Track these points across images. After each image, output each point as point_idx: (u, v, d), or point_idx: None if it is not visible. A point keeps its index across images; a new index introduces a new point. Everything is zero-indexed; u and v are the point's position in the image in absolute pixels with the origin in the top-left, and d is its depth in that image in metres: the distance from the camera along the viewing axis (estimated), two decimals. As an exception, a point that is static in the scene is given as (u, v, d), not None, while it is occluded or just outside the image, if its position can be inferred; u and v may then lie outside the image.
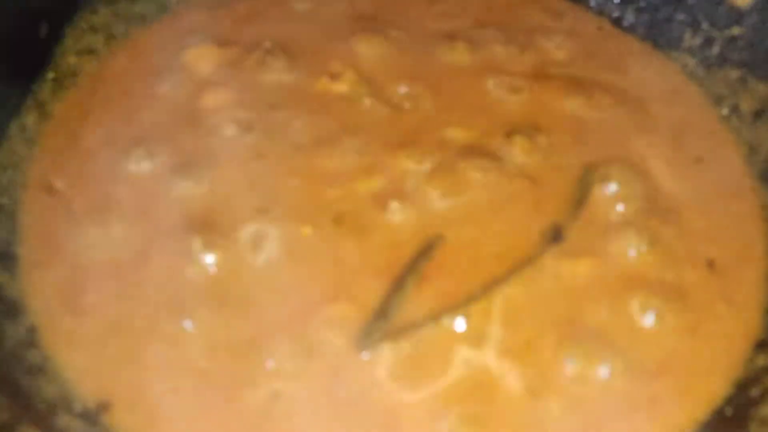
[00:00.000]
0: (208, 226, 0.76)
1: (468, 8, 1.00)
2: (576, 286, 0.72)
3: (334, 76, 0.91)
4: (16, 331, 0.67)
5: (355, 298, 0.72)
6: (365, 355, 0.68)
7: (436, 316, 0.70)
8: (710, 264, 0.75)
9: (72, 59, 0.90)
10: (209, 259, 0.73)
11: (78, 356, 0.67)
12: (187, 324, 0.68)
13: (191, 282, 0.72)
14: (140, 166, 0.81)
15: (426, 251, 0.76)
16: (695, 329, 0.71)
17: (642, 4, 0.99)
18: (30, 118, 0.84)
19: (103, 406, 0.64)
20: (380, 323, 0.69)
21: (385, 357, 0.67)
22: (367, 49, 0.95)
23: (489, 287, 0.72)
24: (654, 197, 0.82)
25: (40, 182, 0.79)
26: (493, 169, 0.83)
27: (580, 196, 0.81)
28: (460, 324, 0.70)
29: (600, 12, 1.01)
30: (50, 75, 0.88)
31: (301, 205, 0.79)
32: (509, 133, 0.86)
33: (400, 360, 0.67)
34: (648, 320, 0.70)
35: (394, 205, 0.79)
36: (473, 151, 0.84)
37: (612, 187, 0.82)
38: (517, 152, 0.85)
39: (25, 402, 0.61)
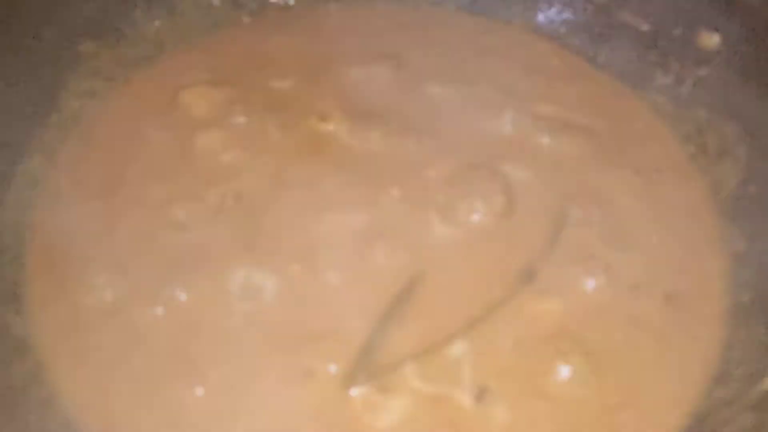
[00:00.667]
0: (197, 267, 0.81)
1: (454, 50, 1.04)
2: (545, 325, 0.77)
3: (323, 117, 0.96)
4: (23, 367, 0.72)
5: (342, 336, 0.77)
6: (353, 392, 0.72)
7: (416, 355, 0.75)
8: (668, 297, 0.80)
9: (74, 103, 0.95)
10: (199, 300, 0.78)
11: (82, 392, 0.72)
12: (186, 361, 0.73)
13: (188, 320, 0.77)
14: (137, 209, 0.86)
15: (407, 290, 0.81)
16: (655, 362, 0.75)
17: (616, 43, 1.04)
18: (36, 162, 0.89)
19: (106, 441, 0.69)
20: (366, 360, 0.74)
21: (369, 393, 0.72)
22: (354, 88, 1.00)
23: (467, 326, 0.77)
24: (619, 232, 0.86)
25: (44, 224, 0.84)
26: (471, 205, 0.88)
27: (553, 235, 0.86)
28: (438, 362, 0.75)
29: (576, 50, 1.06)
30: (54, 118, 0.93)
31: (288, 244, 0.84)
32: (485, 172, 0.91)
33: (382, 396, 0.72)
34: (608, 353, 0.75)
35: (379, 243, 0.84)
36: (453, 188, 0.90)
37: (581, 225, 0.87)
38: (495, 190, 0.90)
39: (32, 437, 0.66)
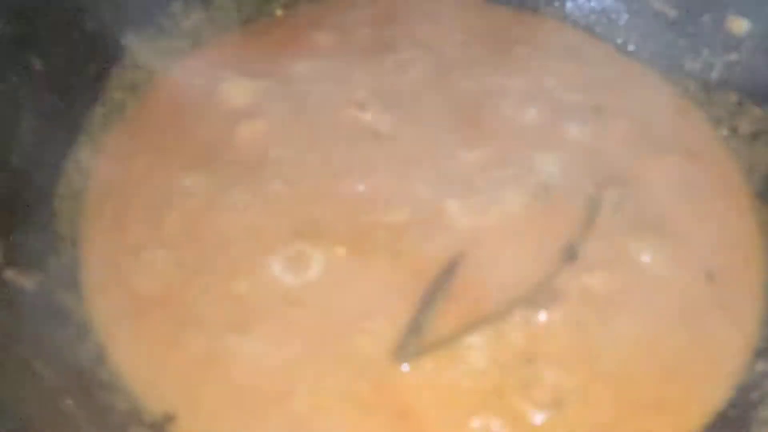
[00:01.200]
0: (245, 250, 0.83)
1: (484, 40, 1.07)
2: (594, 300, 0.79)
3: (360, 106, 0.98)
4: (86, 350, 0.74)
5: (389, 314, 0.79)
6: (404, 367, 0.75)
7: (464, 331, 0.77)
8: (710, 276, 0.82)
9: (118, 95, 0.97)
10: (250, 281, 0.81)
11: (143, 372, 0.74)
12: (241, 341, 0.75)
13: (241, 302, 0.79)
14: (185, 195, 0.88)
15: (451, 268, 0.83)
16: (699, 337, 0.77)
17: (645, 30, 1.06)
18: (84, 152, 0.91)
19: (169, 418, 0.71)
20: (414, 337, 0.77)
21: (422, 369, 0.74)
22: (389, 78, 1.02)
23: (511, 305, 0.79)
24: (655, 214, 0.88)
25: (97, 213, 0.86)
26: (507, 189, 0.90)
27: (590, 216, 0.88)
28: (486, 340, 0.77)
29: (605, 37, 1.08)
30: (99, 110, 0.95)
31: (336, 228, 0.86)
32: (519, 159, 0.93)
33: (435, 371, 0.75)
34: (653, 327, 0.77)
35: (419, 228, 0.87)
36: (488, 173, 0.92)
37: (619, 205, 0.89)
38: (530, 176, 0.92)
39: (101, 415, 0.68)
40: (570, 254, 0.85)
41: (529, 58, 1.05)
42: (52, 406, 0.67)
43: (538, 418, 0.73)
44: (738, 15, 0.98)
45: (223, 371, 0.75)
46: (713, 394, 0.74)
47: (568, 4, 1.09)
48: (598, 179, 0.92)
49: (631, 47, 1.06)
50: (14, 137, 0.83)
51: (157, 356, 0.76)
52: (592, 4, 1.09)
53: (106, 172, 0.91)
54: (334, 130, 0.96)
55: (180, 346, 0.76)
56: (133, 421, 0.70)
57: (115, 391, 0.72)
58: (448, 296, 0.80)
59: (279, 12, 1.11)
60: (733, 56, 0.98)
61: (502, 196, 0.89)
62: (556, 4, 1.10)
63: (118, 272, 0.81)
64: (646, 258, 0.85)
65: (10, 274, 0.74)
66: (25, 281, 0.75)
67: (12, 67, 0.84)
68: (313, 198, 0.88)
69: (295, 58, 1.03)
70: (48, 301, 0.76)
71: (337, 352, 0.75)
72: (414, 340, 0.76)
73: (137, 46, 1.00)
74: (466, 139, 0.95)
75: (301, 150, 0.93)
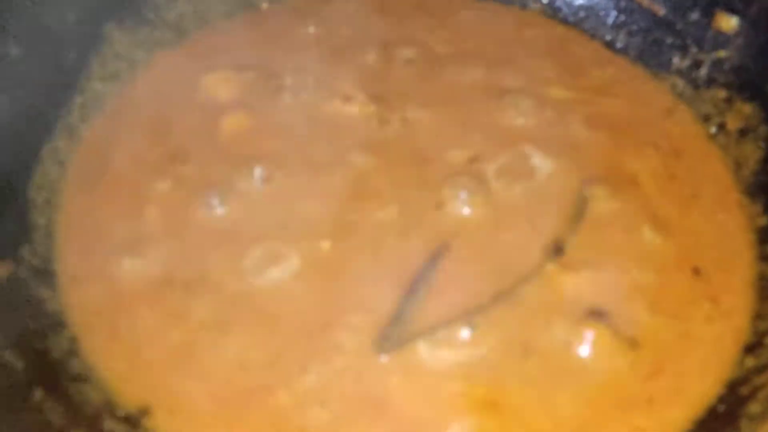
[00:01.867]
0: (227, 245, 0.81)
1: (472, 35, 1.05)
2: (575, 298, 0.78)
3: (346, 99, 0.96)
4: (59, 342, 0.72)
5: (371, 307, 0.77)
6: (384, 359, 0.73)
7: (446, 322, 0.75)
8: (696, 271, 0.81)
9: (97, 85, 0.95)
10: (232, 277, 0.79)
11: (117, 365, 0.72)
12: (220, 336, 0.73)
13: (221, 296, 0.77)
14: (165, 190, 0.86)
15: (434, 259, 0.81)
16: (687, 334, 0.76)
17: (633, 27, 1.05)
18: (61, 142, 0.89)
19: (144, 411, 0.69)
20: (396, 328, 0.75)
21: (402, 360, 0.73)
22: (375, 72, 1.01)
23: (495, 298, 0.78)
24: (643, 211, 0.87)
25: (73, 203, 0.84)
26: (494, 186, 0.89)
27: (578, 212, 0.87)
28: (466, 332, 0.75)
29: (593, 35, 1.07)
30: (78, 100, 0.93)
31: (318, 222, 0.84)
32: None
33: (415, 363, 0.73)
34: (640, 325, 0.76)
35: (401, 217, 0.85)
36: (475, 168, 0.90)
37: (605, 201, 0.88)
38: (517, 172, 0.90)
39: (75, 408, 0.66)
40: (556, 250, 0.83)
41: (517, 55, 1.04)
42: (22, 397, 0.65)
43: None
44: (726, 12, 0.97)
45: (201, 366, 0.72)
46: (703, 390, 0.73)
47: (558, 1, 1.09)
48: (586, 175, 0.90)
49: (619, 44, 1.06)
50: (-12, 124, 0.81)
51: (132, 349, 0.73)
52: (581, 1, 1.08)
53: (83, 163, 0.89)
54: (319, 125, 0.94)
55: (157, 340, 0.74)
56: (106, 414, 0.67)
57: (88, 383, 0.69)
58: (430, 288, 0.79)
59: (265, 5, 1.10)
60: (721, 53, 0.98)
61: (489, 190, 0.88)
62: (545, 0, 1.09)
63: (94, 264, 0.79)
64: (629, 255, 0.83)
65: (-19, 262, 0.72)
66: (-3, 270, 0.73)
67: (-13, 53, 0.82)
68: (298, 193, 0.86)
69: (280, 51, 1.02)
70: (20, 291, 0.74)
71: (318, 346, 0.73)
72: (395, 331, 0.75)
73: (118, 36, 0.98)
74: (455, 134, 0.94)
75: (285, 144, 0.91)
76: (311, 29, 1.04)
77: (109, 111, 0.95)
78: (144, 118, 0.94)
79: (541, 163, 0.92)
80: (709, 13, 0.99)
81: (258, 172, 0.88)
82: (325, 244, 0.82)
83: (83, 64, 0.95)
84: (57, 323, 0.73)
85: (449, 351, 0.73)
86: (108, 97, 0.95)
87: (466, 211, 0.87)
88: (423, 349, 0.73)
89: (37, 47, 0.88)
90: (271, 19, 1.08)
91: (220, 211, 0.85)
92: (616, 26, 1.06)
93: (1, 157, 0.81)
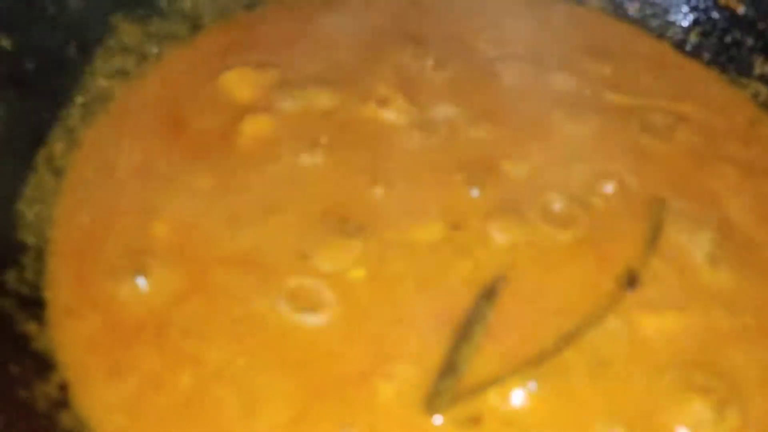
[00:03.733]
0: (252, 268, 0.70)
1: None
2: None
3: (382, 102, 0.85)
4: (47, 390, 0.61)
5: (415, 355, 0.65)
6: (437, 419, 0.61)
7: (508, 375, 0.63)
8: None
9: (102, 82, 0.84)
10: (253, 309, 0.67)
11: (116, 418, 0.61)
12: (236, 387, 0.62)
13: (238, 334, 0.65)
14: (177, 202, 0.74)
15: (490, 295, 0.70)
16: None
17: (707, 27, 0.93)
18: (58, 147, 0.78)
19: (145, 477, 0.57)
20: (449, 381, 0.63)
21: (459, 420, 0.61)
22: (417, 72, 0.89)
23: (562, 342, 0.66)
24: (725, 231, 0.77)
25: (69, 219, 0.73)
26: (556, 207, 0.77)
27: (652, 235, 0.75)
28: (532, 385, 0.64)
29: (660, 35, 0.95)
30: (79, 100, 0.82)
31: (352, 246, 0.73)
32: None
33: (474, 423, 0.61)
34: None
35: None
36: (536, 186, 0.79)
37: (682, 223, 0.76)
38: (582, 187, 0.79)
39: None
40: (630, 281, 0.71)
41: (574, 56, 0.92)
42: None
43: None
44: (818, 10, 0.86)
45: (215, 421, 0.61)
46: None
47: (619, -5, 0.97)
48: (660, 192, 0.79)
49: (690, 46, 0.93)
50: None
51: (134, 398, 0.62)
52: None
53: (83, 170, 0.78)
54: (351, 129, 0.82)
55: (163, 388, 0.62)
56: (100, 482, 0.56)
57: (80, 441, 0.58)
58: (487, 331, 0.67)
59: (287, -5, 0.98)
60: (812, 58, 0.86)
61: (548, 211, 0.76)
62: (604, -5, 0.97)
63: (92, 292, 0.68)
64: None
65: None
66: (-24, 300, 0.62)
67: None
68: (327, 209, 0.75)
69: (306, 46, 0.90)
70: (2, 327, 0.62)
71: (353, 402, 0.62)
72: (448, 385, 0.63)
73: (126, 28, 0.87)
74: (508, 145, 0.82)
75: (311, 151, 0.80)
76: (340, 22, 0.92)
77: (114, 112, 0.84)
78: (154, 120, 0.83)
79: (609, 176, 0.80)
80: (797, 12, 0.87)
81: (282, 183, 0.77)
82: (358, 274, 0.71)
83: (86, 58, 0.83)
84: (45, 366, 0.62)
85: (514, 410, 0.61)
86: (114, 97, 0.84)
87: (524, 233, 0.75)
88: (486, 406, 0.61)
89: (32, 39, 0.78)
90: (296, 9, 0.97)
91: (238, 231, 0.73)
92: (688, 25, 0.94)
93: (-12, 166, 0.71)
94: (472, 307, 0.68)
